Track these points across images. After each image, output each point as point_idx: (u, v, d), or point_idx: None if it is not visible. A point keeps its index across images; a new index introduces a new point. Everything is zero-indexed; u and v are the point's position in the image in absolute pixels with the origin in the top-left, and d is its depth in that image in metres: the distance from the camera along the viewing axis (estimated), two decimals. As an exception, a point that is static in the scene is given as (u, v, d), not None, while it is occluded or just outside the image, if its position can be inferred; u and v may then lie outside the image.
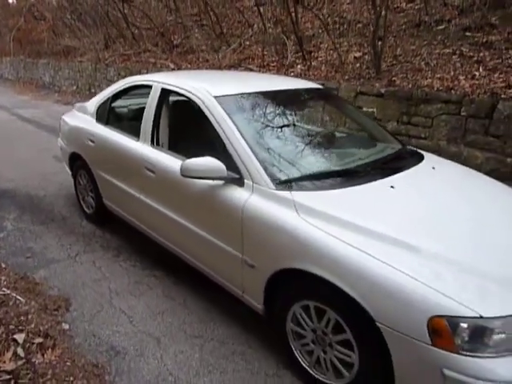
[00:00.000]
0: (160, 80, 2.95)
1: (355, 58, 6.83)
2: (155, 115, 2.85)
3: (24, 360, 2.06)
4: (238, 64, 8.43)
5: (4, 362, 2.01)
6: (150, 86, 2.99)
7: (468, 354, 1.50)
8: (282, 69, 7.52)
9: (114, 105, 3.41)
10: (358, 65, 6.63)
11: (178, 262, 2.80)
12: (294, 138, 2.55)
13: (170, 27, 11.08)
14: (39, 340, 2.25)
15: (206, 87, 2.60)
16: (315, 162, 2.36)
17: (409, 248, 1.72)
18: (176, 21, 10.77)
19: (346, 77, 6.34)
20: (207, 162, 2.19)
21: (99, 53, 11.42)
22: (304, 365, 2.04)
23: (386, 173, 2.31)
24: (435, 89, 5.23)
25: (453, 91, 5.07)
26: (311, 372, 2.01)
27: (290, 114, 2.78)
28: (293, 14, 7.54)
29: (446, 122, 5.04)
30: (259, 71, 7.72)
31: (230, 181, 2.23)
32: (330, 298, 1.82)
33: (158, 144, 2.84)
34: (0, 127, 7.69)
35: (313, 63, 7.26)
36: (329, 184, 2.13)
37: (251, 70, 7.94)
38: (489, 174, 4.66)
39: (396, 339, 1.62)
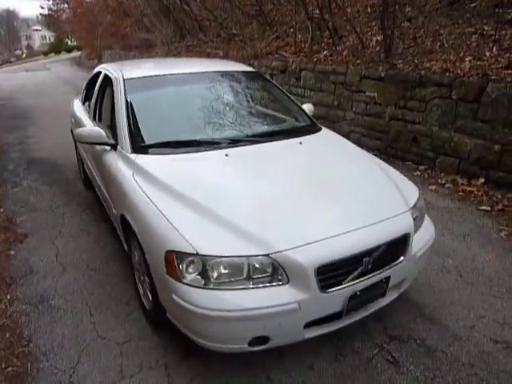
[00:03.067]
0: (105, 67, 3.59)
1: (377, 41, 6.67)
2: (97, 95, 3.52)
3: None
4: (275, 51, 8.74)
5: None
6: (101, 73, 3.65)
7: (188, 284, 1.84)
8: (310, 54, 7.63)
9: (88, 89, 4.18)
10: (377, 48, 6.49)
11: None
12: (181, 113, 2.94)
13: (229, 18, 11.75)
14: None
15: (124, 72, 3.16)
16: (180, 133, 2.74)
17: (187, 201, 2.06)
18: (233, 12, 11.39)
19: (359, 61, 6.28)
20: (91, 131, 2.77)
21: (169, 45, 12.64)
22: (141, 294, 2.52)
23: (239, 144, 2.62)
24: (432, 71, 4.99)
25: (447, 73, 4.80)
26: (143, 300, 2.48)
27: (199, 93, 3.17)
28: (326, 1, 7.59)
29: (438, 106, 4.81)
30: (290, 57, 7.96)
31: (111, 146, 2.76)
32: (135, 237, 2.26)
33: (99, 119, 3.50)
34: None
35: (338, 48, 7.25)
36: (173, 150, 2.53)
37: (284, 56, 8.20)
38: (476, 161, 4.44)
39: (153, 268, 2.02)
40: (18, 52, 52.86)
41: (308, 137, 2.89)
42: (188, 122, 2.86)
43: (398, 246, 2.10)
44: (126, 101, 2.85)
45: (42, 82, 16.93)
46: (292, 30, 9.51)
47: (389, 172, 2.62)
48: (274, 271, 1.84)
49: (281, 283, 1.84)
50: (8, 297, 2.69)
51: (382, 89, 5.51)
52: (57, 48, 41.88)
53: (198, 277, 1.83)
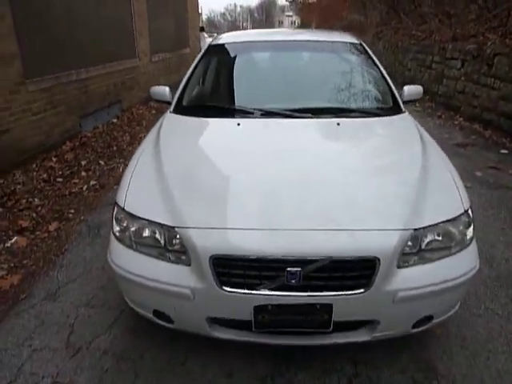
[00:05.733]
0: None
1: None
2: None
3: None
4: (482, 33, 7.13)
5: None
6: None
7: (115, 235, 1.84)
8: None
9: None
10: None
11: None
12: (240, 79, 2.80)
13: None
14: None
15: (217, 39, 3.28)
16: (222, 98, 2.71)
17: (157, 161, 2.02)
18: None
19: None
20: (159, 88, 2.97)
21: (378, 26, 12.04)
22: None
23: (271, 116, 2.38)
24: None
25: None
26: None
27: (272, 61, 2.98)
28: None
29: None
30: (493, 39, 6.36)
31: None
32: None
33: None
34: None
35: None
36: (198, 113, 2.49)
37: (488, 38, 6.63)
38: None
39: None
40: (269, 35, 60.76)
41: (358, 120, 2.37)
42: (239, 88, 2.76)
43: (356, 271, 1.53)
44: (196, 65, 2.95)
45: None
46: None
47: (438, 179, 1.88)
48: (187, 249, 1.65)
49: (184, 264, 1.64)
50: (81, 218, 3.32)
51: None
52: (298, 32, 45.76)
53: (123, 233, 1.81)
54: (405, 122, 2.43)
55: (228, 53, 3.09)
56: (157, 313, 1.76)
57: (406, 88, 2.84)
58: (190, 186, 1.83)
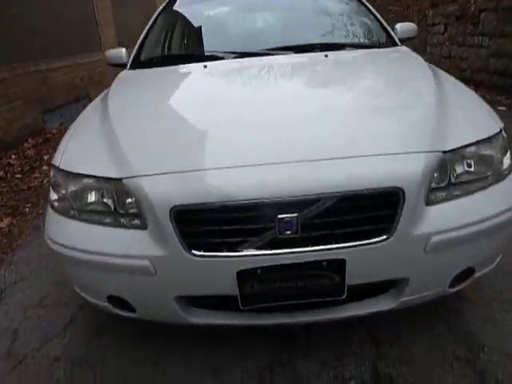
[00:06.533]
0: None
1: None
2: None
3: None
4: None
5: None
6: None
7: (56, 210, 1.40)
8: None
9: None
10: None
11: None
12: (207, 25, 2.39)
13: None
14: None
15: None
16: (187, 46, 2.39)
17: (105, 113, 1.59)
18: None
19: None
20: (115, 51, 2.51)
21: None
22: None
23: (244, 56, 1.98)
24: None
25: None
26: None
27: (242, 6, 2.57)
28: None
29: None
30: None
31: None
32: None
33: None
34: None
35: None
36: (161, 64, 2.10)
37: None
38: None
39: None
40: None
41: (350, 52, 1.98)
42: (207, 34, 2.34)
43: (374, 211, 1.13)
44: (156, 18, 2.55)
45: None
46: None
47: (461, 99, 1.52)
48: (140, 205, 1.22)
49: (139, 228, 1.22)
50: (40, 212, 2.85)
51: None
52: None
53: (62, 201, 1.38)
54: (405, 52, 2.05)
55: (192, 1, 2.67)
56: (112, 299, 1.33)
57: (398, 26, 2.49)
58: (142, 132, 1.41)
